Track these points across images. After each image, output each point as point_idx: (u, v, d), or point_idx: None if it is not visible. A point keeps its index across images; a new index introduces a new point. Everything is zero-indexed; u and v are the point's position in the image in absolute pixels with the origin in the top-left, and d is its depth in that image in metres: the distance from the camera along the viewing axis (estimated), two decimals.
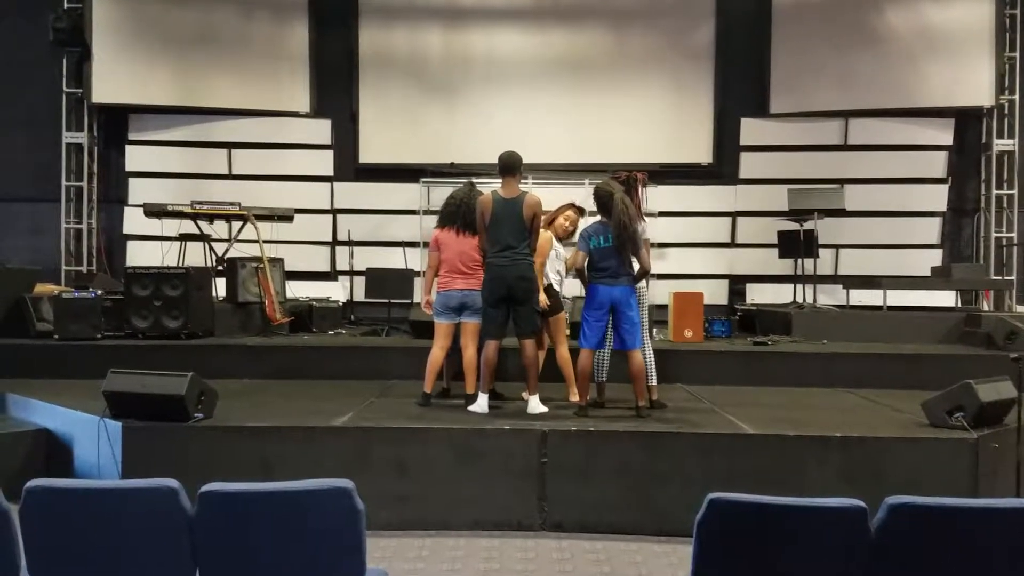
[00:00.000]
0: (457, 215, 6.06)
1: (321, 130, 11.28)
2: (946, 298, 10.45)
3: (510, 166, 5.83)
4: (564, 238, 6.45)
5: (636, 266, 5.74)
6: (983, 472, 5.06)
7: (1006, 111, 10.78)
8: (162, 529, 2.67)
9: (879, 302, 9.36)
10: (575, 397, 6.07)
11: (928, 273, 10.15)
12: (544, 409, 5.77)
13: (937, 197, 11.03)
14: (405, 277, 10.04)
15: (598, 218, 5.82)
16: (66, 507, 2.66)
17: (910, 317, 9.10)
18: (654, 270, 5.97)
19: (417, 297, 9.64)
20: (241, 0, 11.06)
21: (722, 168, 11.23)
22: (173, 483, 2.68)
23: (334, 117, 11.29)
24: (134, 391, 5.28)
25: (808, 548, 2.65)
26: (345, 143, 11.30)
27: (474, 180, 7.18)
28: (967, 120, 11.07)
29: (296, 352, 7.78)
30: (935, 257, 10.91)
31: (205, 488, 2.68)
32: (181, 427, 5.19)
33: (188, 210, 8.95)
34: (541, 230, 6.24)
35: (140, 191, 10.85)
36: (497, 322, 5.80)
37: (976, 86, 10.66)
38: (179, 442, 5.18)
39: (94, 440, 5.37)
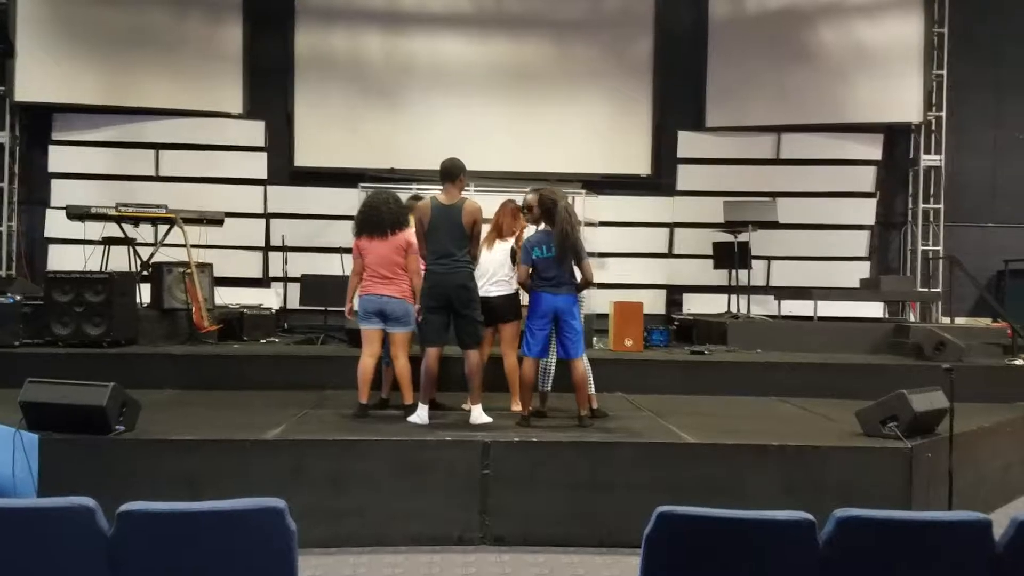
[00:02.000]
0: (366, 221, 5.92)
1: (254, 132, 11.00)
2: (874, 309, 10.70)
3: (451, 172, 5.74)
4: (516, 232, 6.32)
5: (579, 275, 5.70)
6: (917, 481, 5.14)
7: (933, 127, 11.11)
8: (77, 552, 2.49)
9: (809, 312, 9.53)
10: (517, 407, 5.98)
11: (857, 285, 10.38)
12: (488, 419, 5.68)
13: (866, 211, 11.31)
14: (342, 284, 9.75)
15: (542, 227, 5.76)
16: None
17: (840, 327, 9.28)
18: (594, 279, 5.95)
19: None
20: None
21: (660, 180, 11.33)
22: (89, 502, 2.49)
23: (268, 119, 11.01)
24: (52, 402, 4.99)
25: (757, 562, 2.61)
26: (280, 146, 11.04)
27: (415, 187, 7.08)
28: (895, 136, 11.39)
29: (225, 361, 7.51)
30: (864, 269, 11.18)
31: (124, 508, 2.50)
32: (102, 440, 4.92)
33: (112, 212, 8.59)
34: (498, 241, 6.16)
35: (63, 193, 10.40)
36: (436, 329, 5.68)
37: (905, 103, 10.97)
38: (99, 456, 4.91)
39: (9, 453, 5.06)
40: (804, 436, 5.48)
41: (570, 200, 6.33)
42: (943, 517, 2.67)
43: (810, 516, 2.59)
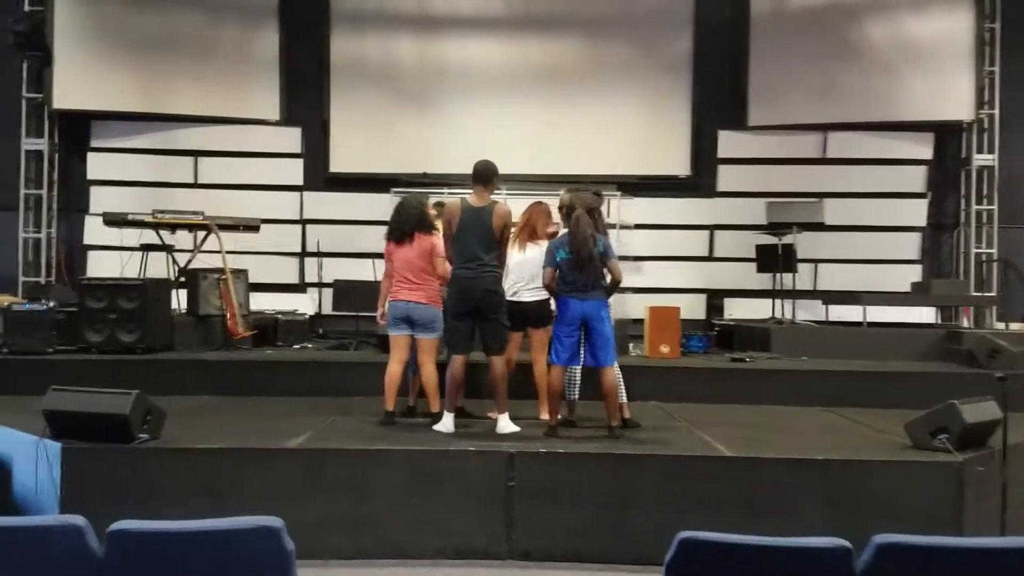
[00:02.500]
0: (393, 226, 5.87)
1: (290, 138, 10.97)
2: (925, 314, 10.29)
3: (486, 175, 5.63)
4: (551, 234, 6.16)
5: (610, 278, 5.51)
6: (969, 496, 4.85)
7: (986, 125, 10.64)
8: (67, 571, 2.38)
9: (857, 318, 9.19)
10: (546, 415, 5.81)
11: (907, 288, 9.99)
12: (515, 428, 5.55)
13: (916, 212, 10.89)
14: (373, 289, 9.67)
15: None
16: None
17: (889, 334, 8.93)
18: (630, 283, 5.75)
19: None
20: (209, 5, 10.75)
21: (699, 180, 11.02)
22: (79, 520, 2.39)
23: (304, 125, 10.96)
24: (75, 410, 4.97)
25: None
26: (315, 152, 10.98)
27: (447, 191, 6.97)
28: (947, 134, 10.94)
29: (257, 367, 7.50)
30: (914, 273, 10.75)
31: (115, 527, 2.39)
32: (124, 449, 4.89)
33: (149, 219, 8.64)
34: (530, 244, 6.01)
35: (102, 200, 10.47)
36: (463, 336, 5.57)
37: (956, 100, 10.53)
38: (122, 465, 4.89)
39: (32, 462, 5.04)
40: (849, 449, 5.23)
41: (604, 202, 6.10)
42: (991, 544, 2.43)
43: (846, 543, 2.38)
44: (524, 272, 5.98)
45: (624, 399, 5.87)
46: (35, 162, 10.67)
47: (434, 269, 5.75)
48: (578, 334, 5.42)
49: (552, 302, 5.91)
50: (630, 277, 5.78)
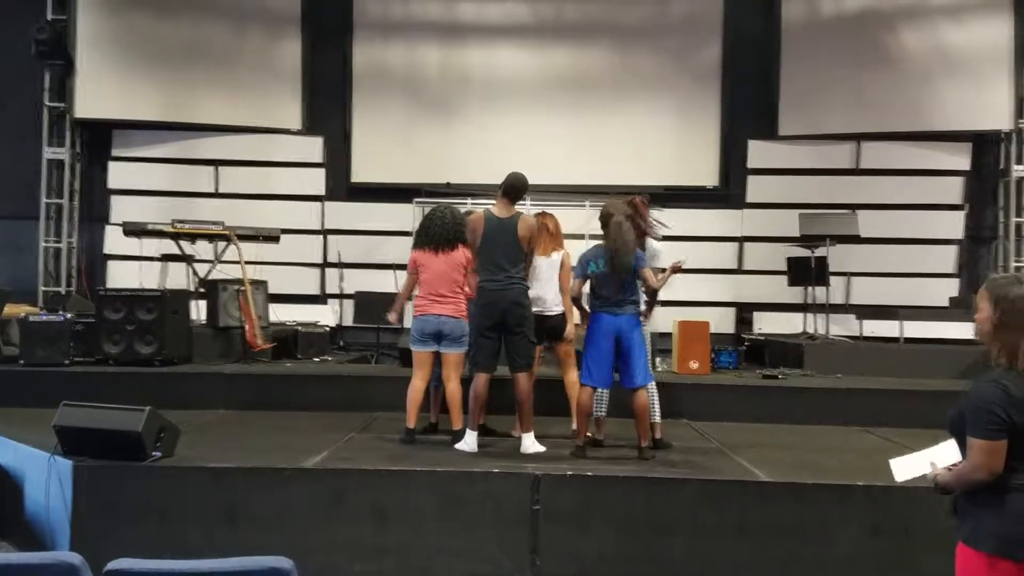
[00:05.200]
0: (426, 234, 5.66)
1: (312, 148, 10.88)
2: (961, 330, 9.95)
3: (516, 189, 5.46)
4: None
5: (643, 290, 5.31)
6: None
7: None
8: None
9: (892, 333, 8.89)
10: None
11: (943, 303, 9.69)
12: (540, 448, 5.34)
13: (953, 224, 10.59)
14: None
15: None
16: None
17: (928, 350, 8.62)
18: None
19: (408, 323, 9.19)
20: (232, 14, 10.69)
21: (729, 191, 10.82)
22: (74, 558, 2.21)
23: (326, 134, 10.88)
24: (87, 426, 4.83)
25: None
26: (337, 161, 10.90)
27: (470, 201, 6.80)
28: (985, 145, 10.63)
29: (275, 381, 7.35)
30: (951, 286, 10.44)
31: (111, 566, 2.21)
32: (136, 467, 4.72)
33: (168, 229, 8.54)
34: (553, 253, 5.83)
35: (123, 209, 10.40)
36: (489, 352, 5.37)
37: (994, 110, 10.23)
38: (134, 484, 4.72)
39: (45, 478, 4.90)
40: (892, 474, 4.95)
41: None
42: None
43: None
44: (552, 282, 5.79)
45: (658, 419, 5.65)
46: (56, 171, 10.63)
47: (468, 282, 5.56)
48: (611, 352, 5.20)
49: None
50: (659, 289, 5.53)
